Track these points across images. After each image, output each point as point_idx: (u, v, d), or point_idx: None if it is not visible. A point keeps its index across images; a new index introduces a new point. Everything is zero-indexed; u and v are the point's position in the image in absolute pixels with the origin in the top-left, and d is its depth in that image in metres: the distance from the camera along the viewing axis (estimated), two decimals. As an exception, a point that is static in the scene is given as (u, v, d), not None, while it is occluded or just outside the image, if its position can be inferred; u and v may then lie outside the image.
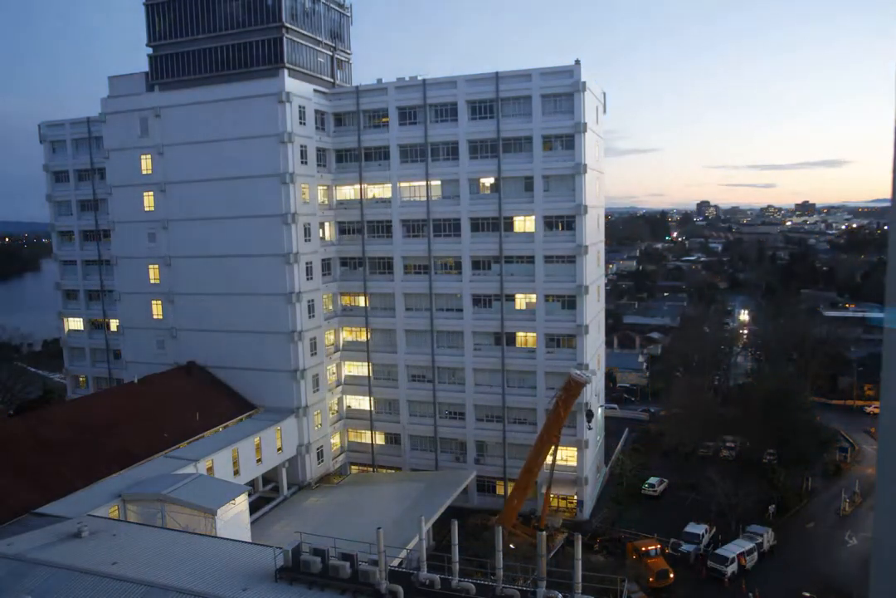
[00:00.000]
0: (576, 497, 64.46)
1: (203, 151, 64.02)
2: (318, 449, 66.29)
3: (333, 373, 70.57)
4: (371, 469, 71.62)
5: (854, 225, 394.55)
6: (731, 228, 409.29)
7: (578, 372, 53.90)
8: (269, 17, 62.91)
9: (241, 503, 43.86)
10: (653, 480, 71.09)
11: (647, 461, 76.66)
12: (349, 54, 74.73)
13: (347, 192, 70.37)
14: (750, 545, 56.25)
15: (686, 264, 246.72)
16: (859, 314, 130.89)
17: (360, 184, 68.93)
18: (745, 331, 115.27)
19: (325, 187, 68.67)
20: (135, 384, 60.19)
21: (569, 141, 61.99)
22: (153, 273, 68.03)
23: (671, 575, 53.18)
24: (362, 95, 67.56)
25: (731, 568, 53.96)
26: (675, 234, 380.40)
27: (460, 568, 30.87)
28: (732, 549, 55.44)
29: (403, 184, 67.79)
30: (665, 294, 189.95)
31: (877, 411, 71.60)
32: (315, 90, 66.20)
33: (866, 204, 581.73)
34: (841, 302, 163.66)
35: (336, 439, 70.81)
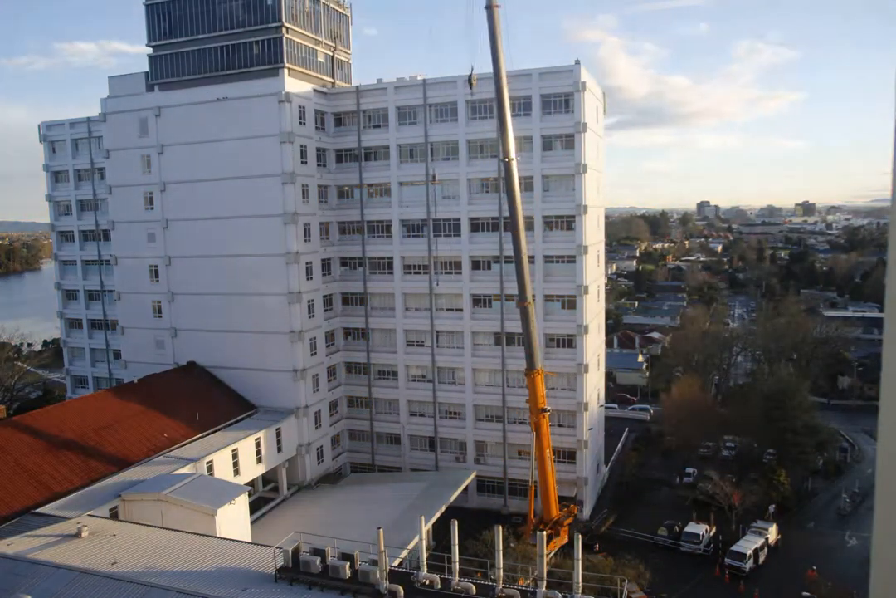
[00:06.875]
0: (576, 497, 64.46)
1: (203, 151, 63.98)
2: (317, 449, 66.27)
3: (333, 373, 70.59)
4: (371, 469, 71.65)
5: (854, 225, 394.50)
6: (730, 228, 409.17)
7: None
8: (268, 17, 62.85)
9: (241, 502, 43.86)
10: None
11: (646, 461, 76.60)
12: (349, 54, 74.70)
13: (347, 192, 70.38)
14: (761, 541, 56.66)
15: (686, 264, 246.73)
16: (859, 314, 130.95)
17: (360, 184, 68.92)
18: (746, 331, 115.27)
19: (325, 187, 68.67)
20: (135, 384, 60.13)
21: (569, 141, 61.97)
22: (153, 273, 68.05)
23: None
24: (362, 95, 67.53)
25: (749, 564, 54.44)
26: (674, 234, 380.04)
27: (460, 568, 30.89)
28: (746, 545, 55.56)
29: (403, 184, 67.82)
30: (665, 294, 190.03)
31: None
32: (315, 90, 66.17)
33: (866, 204, 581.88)
34: (841, 302, 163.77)
35: (336, 439, 70.82)
